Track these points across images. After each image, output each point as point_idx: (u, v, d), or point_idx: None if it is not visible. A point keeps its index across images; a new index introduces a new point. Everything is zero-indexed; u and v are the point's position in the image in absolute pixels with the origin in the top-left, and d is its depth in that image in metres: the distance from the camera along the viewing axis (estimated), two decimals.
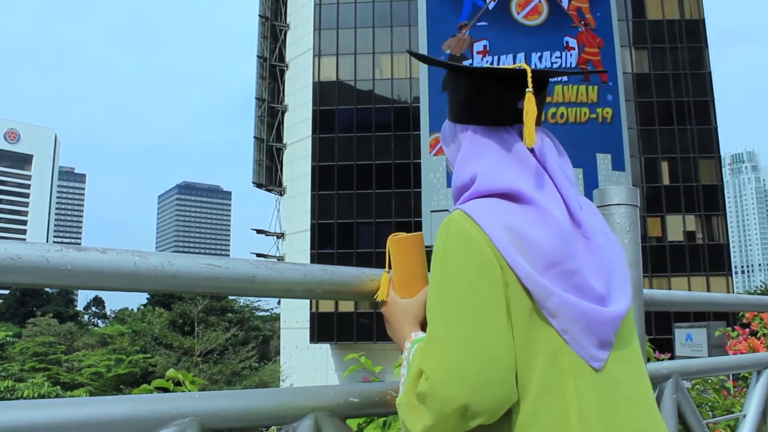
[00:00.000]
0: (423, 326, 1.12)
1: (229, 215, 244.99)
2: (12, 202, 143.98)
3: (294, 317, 36.86)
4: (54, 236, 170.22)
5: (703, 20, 34.68)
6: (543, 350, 0.92)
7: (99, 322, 69.40)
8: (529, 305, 0.93)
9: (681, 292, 1.99)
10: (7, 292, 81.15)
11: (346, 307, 32.46)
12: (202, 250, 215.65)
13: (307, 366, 34.81)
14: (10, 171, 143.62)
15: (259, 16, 41.27)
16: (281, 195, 40.23)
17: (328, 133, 34.69)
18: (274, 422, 1.05)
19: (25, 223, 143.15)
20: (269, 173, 39.92)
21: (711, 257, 32.45)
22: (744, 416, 2.06)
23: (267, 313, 46.55)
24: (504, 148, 1.05)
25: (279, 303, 41.90)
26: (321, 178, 34.07)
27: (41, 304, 63.29)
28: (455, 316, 0.92)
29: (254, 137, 39.86)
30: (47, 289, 62.64)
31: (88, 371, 29.94)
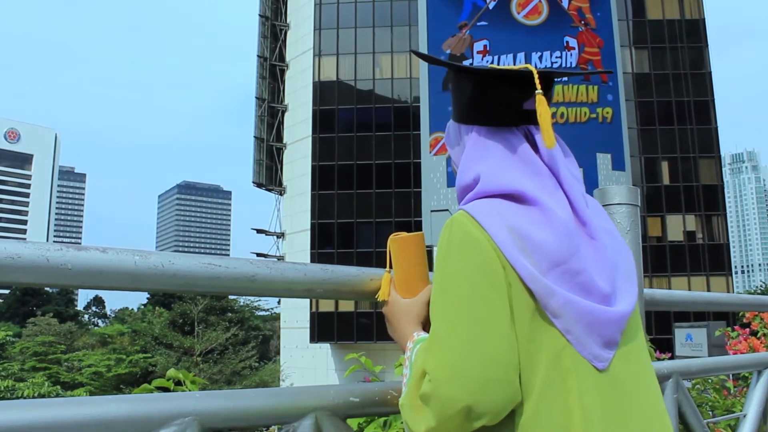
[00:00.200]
0: (424, 326, 1.12)
1: (229, 215, 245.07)
2: (12, 202, 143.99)
3: (294, 317, 36.87)
4: (54, 236, 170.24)
5: (704, 20, 34.68)
6: (546, 350, 0.92)
7: (99, 321, 69.44)
8: (532, 305, 0.93)
9: (681, 291, 1.99)
10: (7, 291, 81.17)
11: (346, 306, 32.46)
12: (202, 250, 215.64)
13: (307, 366, 34.82)
14: (10, 171, 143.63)
15: (259, 15, 41.28)
16: (281, 195, 40.24)
17: (328, 132, 34.69)
18: (274, 422, 1.05)
19: (25, 222, 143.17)
20: (269, 173, 39.93)
21: (711, 257, 32.46)
22: (744, 416, 2.06)
23: (267, 313, 46.57)
24: (509, 149, 1.04)
25: (279, 302, 41.92)
26: (321, 178, 34.08)
27: (41, 303, 63.30)
28: (457, 316, 0.92)
29: (254, 137, 39.87)
30: (47, 289, 62.68)
31: (88, 371, 29.94)
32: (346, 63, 35.59)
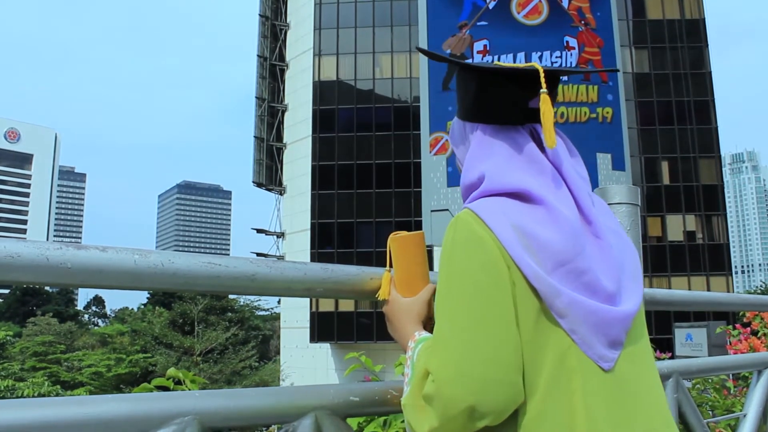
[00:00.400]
0: (425, 325, 1.12)
1: (230, 215, 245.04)
2: (12, 202, 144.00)
3: (294, 317, 36.87)
4: (54, 235, 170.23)
5: (704, 20, 34.67)
6: (551, 350, 0.92)
7: (99, 321, 69.43)
8: (537, 305, 0.92)
9: (681, 291, 1.99)
10: (7, 291, 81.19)
11: (346, 306, 32.46)
12: (202, 250, 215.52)
13: (307, 365, 34.82)
14: (10, 170, 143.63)
15: (260, 15, 41.27)
16: (281, 194, 40.23)
17: (328, 132, 34.69)
18: (274, 421, 1.04)
19: (25, 222, 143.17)
20: (269, 173, 39.92)
21: (711, 257, 32.46)
22: (744, 416, 2.06)
23: (267, 313, 46.54)
24: (514, 148, 1.04)
25: (279, 302, 41.92)
26: (321, 178, 34.08)
27: (41, 303, 63.29)
28: (461, 316, 0.91)
29: (254, 136, 39.86)
30: (47, 288, 62.70)
31: (88, 371, 29.93)
32: (346, 63, 35.58)
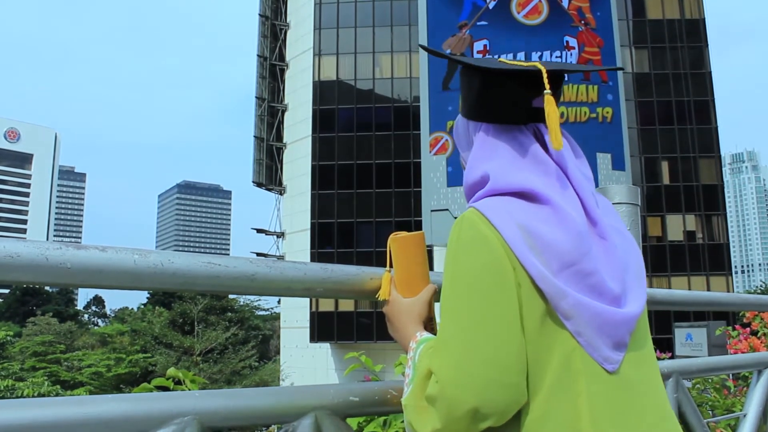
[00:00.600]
0: (425, 325, 1.12)
1: (229, 214, 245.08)
2: (12, 201, 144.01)
3: (294, 316, 36.87)
4: (54, 235, 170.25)
5: (704, 20, 34.67)
6: (556, 352, 0.91)
7: (99, 321, 69.44)
8: (543, 307, 0.92)
9: (681, 291, 1.99)
10: (7, 291, 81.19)
11: (346, 306, 32.46)
12: (202, 250, 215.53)
13: (307, 365, 34.82)
14: (10, 170, 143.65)
15: (259, 15, 41.27)
16: (281, 194, 40.23)
17: (328, 132, 34.69)
18: (274, 421, 1.04)
19: (25, 222, 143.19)
20: (269, 172, 39.92)
21: (711, 257, 32.46)
22: (744, 416, 2.06)
23: (267, 313, 46.54)
24: (517, 148, 1.03)
25: (279, 302, 41.93)
26: (321, 178, 34.08)
27: (41, 303, 63.29)
28: (465, 318, 0.91)
29: (254, 136, 39.86)
30: (47, 288, 62.70)
31: (88, 371, 29.93)
32: (346, 62, 35.58)
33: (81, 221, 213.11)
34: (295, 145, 38.88)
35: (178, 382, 1.73)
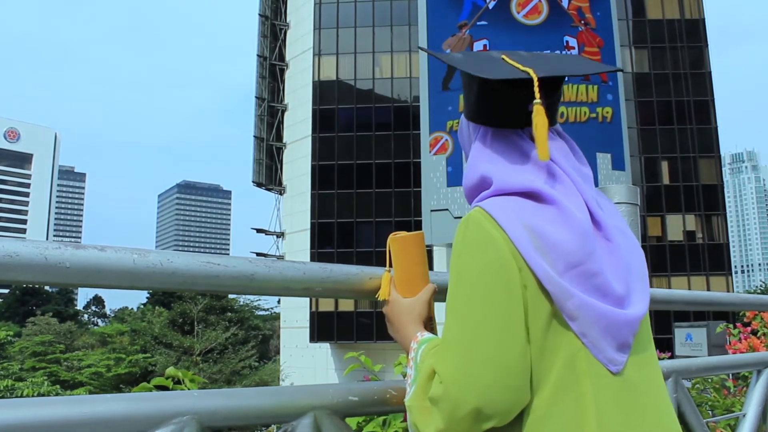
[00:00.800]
0: (425, 325, 1.11)
1: (229, 214, 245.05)
2: (12, 201, 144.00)
3: (294, 316, 36.86)
4: (54, 235, 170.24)
5: (703, 20, 34.67)
6: (561, 353, 0.91)
7: (99, 321, 69.42)
8: (548, 308, 0.92)
9: (681, 291, 1.99)
10: (6, 291, 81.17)
11: (346, 306, 32.46)
12: (202, 249, 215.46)
13: (307, 365, 34.81)
14: (10, 170, 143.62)
15: (259, 15, 41.26)
16: (281, 194, 40.23)
17: (328, 132, 34.69)
18: (273, 421, 1.04)
19: (25, 222, 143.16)
20: (269, 172, 39.91)
21: (711, 257, 32.46)
22: (744, 415, 2.06)
23: (267, 313, 46.56)
24: (517, 152, 1.03)
25: (279, 302, 41.92)
26: (321, 178, 34.07)
27: (41, 303, 63.27)
28: (470, 319, 0.91)
29: (254, 136, 39.85)
30: (47, 288, 62.68)
31: (88, 371, 29.92)
32: (346, 62, 35.58)
33: (81, 221, 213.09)
34: (295, 145, 38.87)
35: (177, 382, 1.73)
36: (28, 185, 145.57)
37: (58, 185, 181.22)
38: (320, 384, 1.12)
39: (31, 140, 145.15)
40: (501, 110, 1.04)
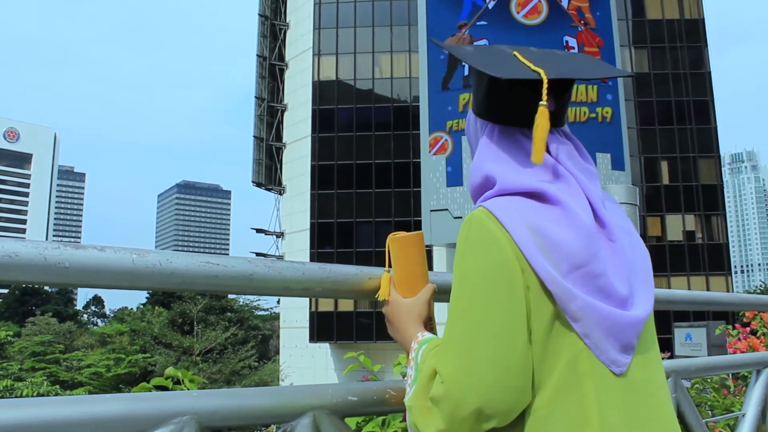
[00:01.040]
0: (425, 325, 1.11)
1: (229, 214, 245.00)
2: (12, 201, 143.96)
3: (293, 317, 36.86)
4: (53, 235, 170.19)
5: (703, 20, 34.68)
6: (563, 354, 0.91)
7: (98, 321, 69.39)
8: (552, 309, 0.92)
9: (681, 291, 1.99)
10: (6, 291, 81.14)
11: (346, 306, 32.45)
12: (202, 249, 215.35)
13: (307, 365, 34.81)
14: (9, 170, 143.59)
15: (259, 15, 41.24)
16: (281, 194, 40.22)
17: (327, 132, 34.68)
18: (272, 421, 1.04)
19: (24, 222, 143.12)
20: (269, 172, 39.90)
21: (710, 257, 32.47)
22: (743, 415, 2.06)
23: (266, 313, 46.52)
24: (520, 151, 1.03)
25: (278, 302, 41.90)
26: (320, 178, 34.07)
27: (41, 303, 63.25)
28: (472, 319, 0.91)
29: (254, 136, 39.84)
30: (46, 288, 62.66)
31: (88, 371, 29.90)
32: (346, 62, 35.57)
33: (80, 221, 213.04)
34: (295, 145, 38.87)
35: (177, 382, 1.72)
36: (27, 185, 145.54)
37: (58, 185, 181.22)
38: (319, 384, 1.12)
39: (30, 140, 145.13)
40: (509, 108, 1.04)
